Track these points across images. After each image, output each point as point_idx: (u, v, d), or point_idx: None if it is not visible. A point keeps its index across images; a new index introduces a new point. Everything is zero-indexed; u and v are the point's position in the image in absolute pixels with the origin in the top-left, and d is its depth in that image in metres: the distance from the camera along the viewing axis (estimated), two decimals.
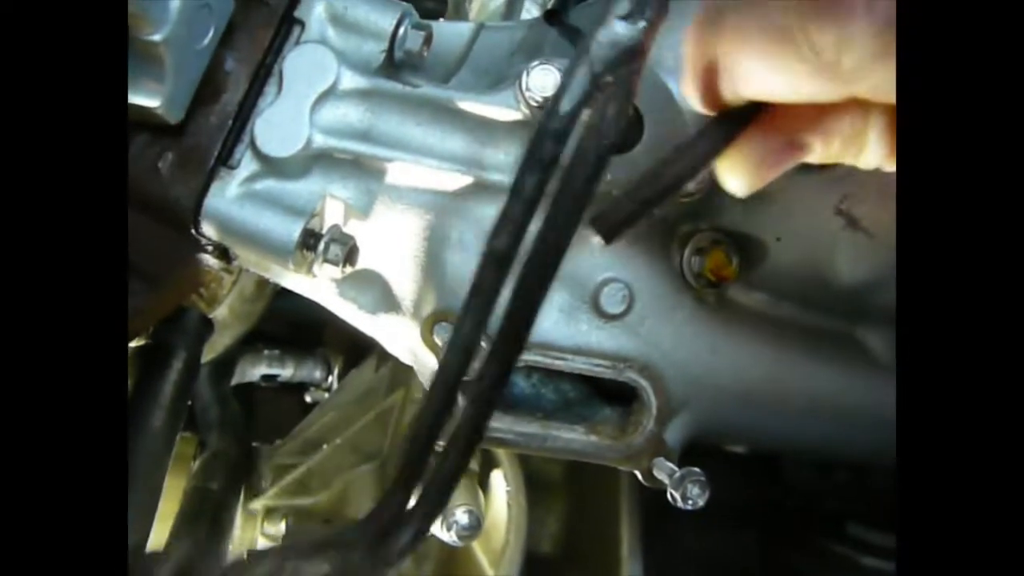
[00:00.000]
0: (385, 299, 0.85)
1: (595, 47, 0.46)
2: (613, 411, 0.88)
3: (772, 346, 0.90)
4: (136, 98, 0.72)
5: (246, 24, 0.79)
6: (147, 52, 0.70)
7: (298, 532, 1.26)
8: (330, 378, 1.69)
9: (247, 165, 0.79)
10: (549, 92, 0.74)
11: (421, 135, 0.79)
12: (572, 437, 0.85)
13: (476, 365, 0.51)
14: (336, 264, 0.79)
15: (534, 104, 0.74)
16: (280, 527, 1.29)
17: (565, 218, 0.48)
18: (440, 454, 0.56)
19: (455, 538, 1.01)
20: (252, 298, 1.23)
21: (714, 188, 0.77)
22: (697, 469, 0.81)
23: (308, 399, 1.71)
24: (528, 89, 0.74)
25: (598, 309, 0.83)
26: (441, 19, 1.18)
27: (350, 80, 0.78)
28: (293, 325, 1.68)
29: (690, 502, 0.81)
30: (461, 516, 1.00)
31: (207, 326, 1.09)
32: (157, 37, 0.69)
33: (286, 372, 1.67)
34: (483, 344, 0.51)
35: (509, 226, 0.48)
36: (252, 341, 1.54)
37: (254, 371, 1.63)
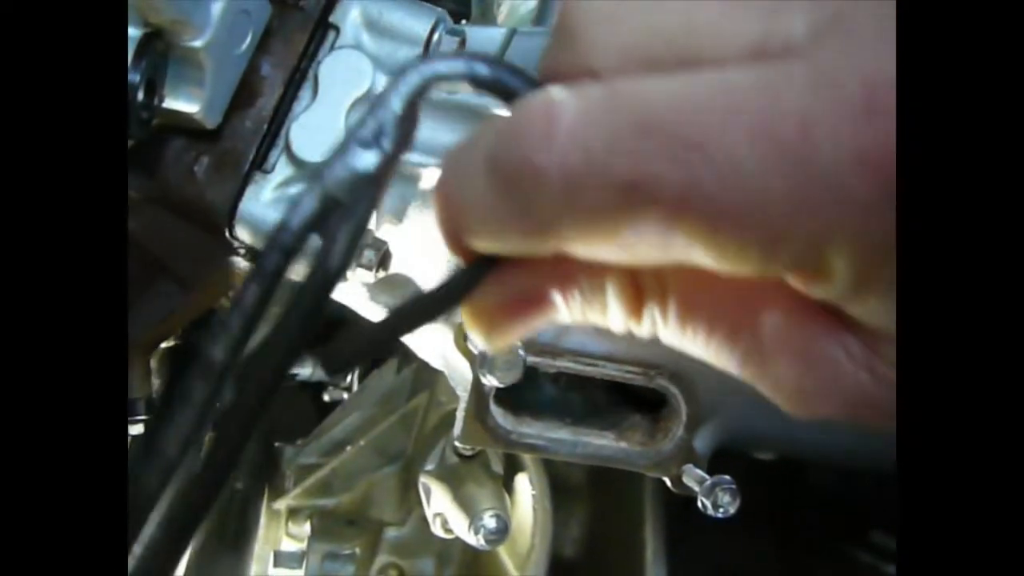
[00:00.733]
0: None
1: (329, 171, 0.43)
2: (642, 417, 0.87)
3: None
4: (176, 103, 0.73)
5: (282, 29, 0.80)
6: (188, 58, 0.71)
7: (323, 531, 1.27)
8: (349, 378, 1.69)
9: (282, 169, 0.80)
10: None
11: (455, 142, 0.79)
12: (602, 443, 0.85)
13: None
14: (369, 269, 0.79)
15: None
16: (305, 527, 1.29)
17: (279, 357, 0.45)
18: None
19: (483, 542, 1.01)
20: (278, 300, 1.23)
21: None
22: (727, 477, 0.81)
23: (326, 398, 1.71)
24: None
25: None
26: (463, 21, 1.18)
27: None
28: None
29: (721, 510, 0.81)
30: (488, 520, 1.00)
31: None
32: (199, 43, 0.69)
33: (305, 371, 1.67)
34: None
35: (226, 338, 0.46)
36: None
37: None
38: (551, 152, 0.36)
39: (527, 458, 1.15)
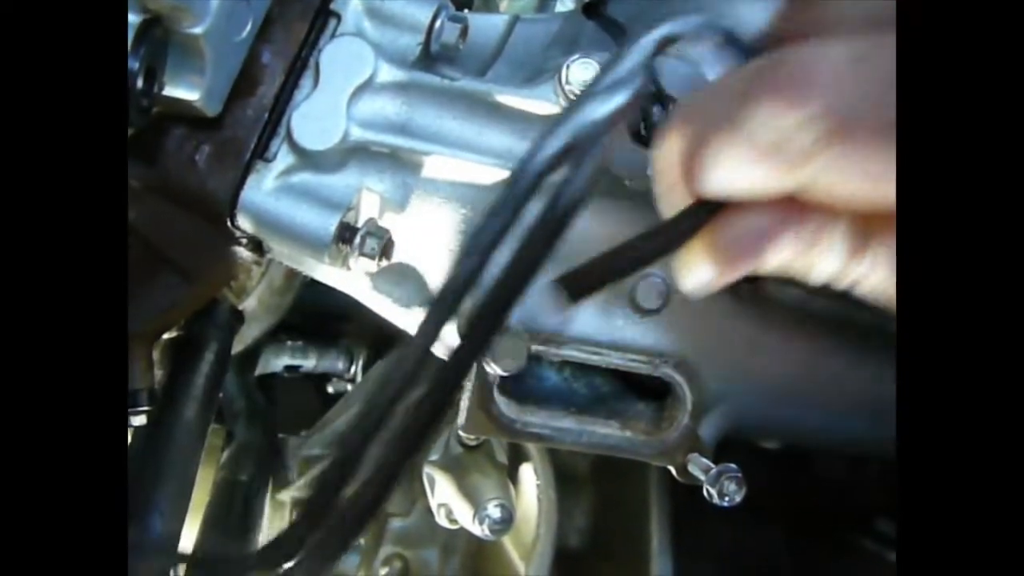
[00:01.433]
0: (420, 293, 0.85)
1: (571, 114, 0.47)
2: (647, 406, 0.87)
3: (808, 340, 0.89)
4: (176, 91, 0.72)
5: (282, 17, 0.79)
6: (188, 45, 0.70)
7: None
8: (353, 369, 1.69)
9: (283, 158, 0.79)
10: None
11: (458, 129, 0.79)
12: (607, 432, 0.85)
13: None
14: (372, 258, 0.79)
15: (573, 98, 0.74)
16: None
17: (524, 266, 0.48)
18: (355, 492, 0.52)
19: (487, 532, 1.01)
20: (281, 290, 1.23)
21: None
22: (733, 465, 0.81)
23: (330, 390, 1.71)
24: (568, 83, 0.73)
25: (634, 304, 0.83)
26: (466, 9, 1.17)
27: (387, 73, 0.78)
28: (316, 316, 1.68)
29: (727, 499, 0.80)
30: (493, 510, 1.00)
31: (238, 318, 1.10)
32: (198, 30, 0.69)
33: (309, 363, 1.67)
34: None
35: (466, 264, 0.49)
36: (275, 332, 1.54)
37: (277, 362, 1.64)
38: (823, 92, 0.40)
39: (532, 448, 1.15)
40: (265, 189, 0.79)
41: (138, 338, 0.89)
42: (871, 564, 1.21)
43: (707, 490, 0.81)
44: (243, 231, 0.82)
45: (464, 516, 1.03)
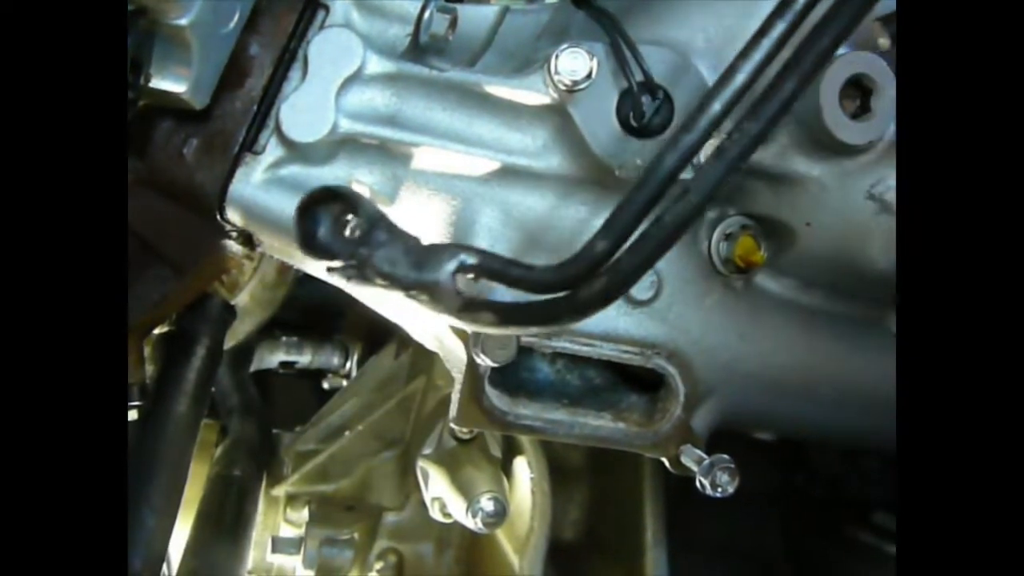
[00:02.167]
0: None
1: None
2: (640, 398, 0.87)
3: (801, 333, 0.89)
4: (162, 83, 0.72)
5: (270, 9, 0.79)
6: (173, 36, 0.69)
7: (321, 517, 1.26)
8: (348, 364, 1.69)
9: (272, 150, 0.78)
10: (578, 75, 0.73)
11: (447, 119, 0.79)
12: (599, 424, 0.84)
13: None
14: None
15: (562, 88, 0.73)
16: (303, 513, 1.29)
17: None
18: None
19: (480, 525, 1.01)
20: (273, 285, 1.23)
21: (743, 173, 0.76)
22: (726, 456, 0.80)
23: (326, 386, 1.71)
24: (557, 73, 0.73)
25: (626, 295, 0.82)
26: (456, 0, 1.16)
27: (376, 64, 0.77)
28: (310, 312, 1.68)
29: (719, 490, 0.80)
30: (486, 503, 1.00)
31: (229, 313, 1.09)
32: (183, 21, 0.68)
33: (304, 359, 1.67)
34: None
35: (615, 228, 0.63)
36: (270, 328, 1.54)
37: (272, 358, 1.63)
38: None
39: (525, 441, 1.15)
40: (254, 182, 0.78)
41: (129, 332, 0.89)
42: (869, 556, 1.20)
43: (700, 481, 0.81)
44: (232, 224, 0.81)
45: (457, 509, 1.02)
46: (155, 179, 0.80)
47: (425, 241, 0.68)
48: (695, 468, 0.82)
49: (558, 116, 0.76)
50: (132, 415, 0.90)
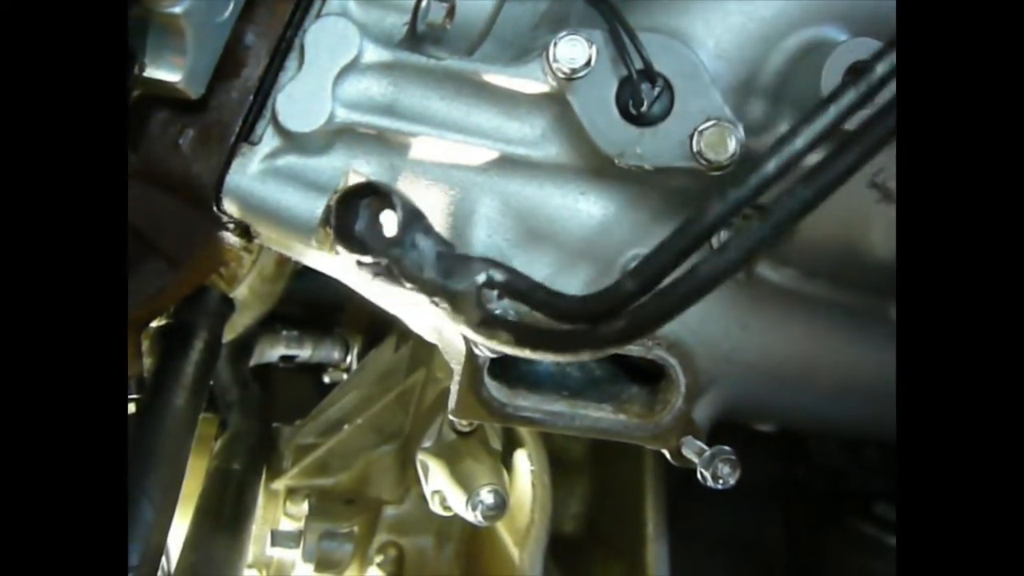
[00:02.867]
0: None
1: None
2: (640, 389, 0.86)
3: (802, 323, 0.88)
4: (157, 72, 0.71)
5: None
6: (167, 25, 0.69)
7: (321, 511, 1.26)
8: (348, 358, 1.68)
9: (269, 141, 0.78)
10: (577, 63, 0.72)
11: (445, 109, 0.78)
12: (600, 416, 0.84)
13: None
14: None
15: (561, 76, 0.73)
16: (303, 506, 1.29)
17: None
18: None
19: (480, 518, 1.00)
20: (272, 278, 1.22)
21: (744, 160, 0.75)
22: (727, 448, 0.80)
23: (326, 380, 1.70)
24: (556, 60, 0.72)
25: None
26: None
27: (373, 53, 0.77)
28: (310, 307, 1.68)
29: (720, 481, 0.79)
30: (486, 495, 0.99)
31: (228, 306, 1.09)
32: (177, 9, 0.67)
33: (304, 353, 1.67)
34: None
35: (690, 235, 0.64)
36: (270, 323, 1.53)
37: (272, 352, 1.63)
38: None
39: (526, 433, 1.14)
40: (251, 173, 0.78)
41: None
42: (870, 547, 1.20)
43: (701, 473, 0.80)
44: (229, 216, 0.80)
45: (457, 502, 1.02)
46: (151, 171, 0.80)
47: (451, 245, 0.69)
48: (696, 460, 0.81)
49: (557, 104, 0.76)
50: (130, 408, 0.89)
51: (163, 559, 0.92)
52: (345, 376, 1.62)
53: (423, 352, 1.30)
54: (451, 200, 0.80)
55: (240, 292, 1.17)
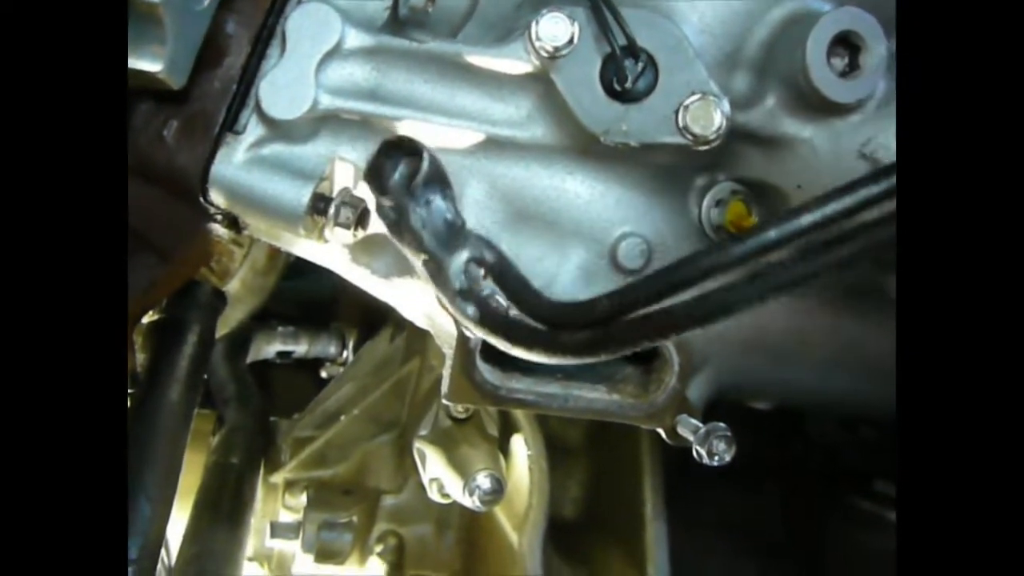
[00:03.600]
0: (399, 263, 0.84)
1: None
2: (634, 369, 0.86)
3: (797, 299, 0.88)
4: (138, 63, 0.71)
5: None
6: (146, 14, 0.68)
7: (319, 502, 1.26)
8: (345, 352, 1.68)
9: (253, 130, 0.77)
10: (560, 41, 0.72)
11: (429, 92, 0.78)
12: (594, 396, 0.84)
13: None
14: (347, 228, 0.77)
15: (544, 54, 0.72)
16: (301, 499, 1.29)
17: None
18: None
19: (478, 503, 1.00)
20: (264, 271, 1.22)
21: (732, 136, 0.75)
22: (723, 424, 0.80)
23: (324, 374, 1.70)
24: (538, 39, 0.72)
25: (616, 264, 0.81)
26: None
27: (355, 38, 0.76)
28: (306, 304, 1.68)
29: (716, 458, 0.79)
30: (483, 480, 0.99)
31: (220, 299, 1.08)
32: None
33: (300, 348, 1.67)
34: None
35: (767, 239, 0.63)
36: (265, 319, 1.53)
37: (269, 348, 1.63)
38: None
39: (522, 418, 1.14)
40: (236, 162, 0.77)
41: None
42: (870, 524, 1.20)
43: (696, 450, 0.80)
44: (216, 207, 0.80)
45: (455, 489, 1.02)
46: (137, 164, 0.79)
47: (461, 218, 0.73)
48: (691, 437, 0.81)
49: (541, 84, 0.75)
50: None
51: (163, 552, 0.92)
52: (342, 370, 1.62)
53: (418, 342, 1.30)
54: None
55: (232, 286, 1.17)
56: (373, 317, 1.56)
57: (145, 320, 1.00)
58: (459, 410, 1.07)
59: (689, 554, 1.12)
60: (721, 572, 1.24)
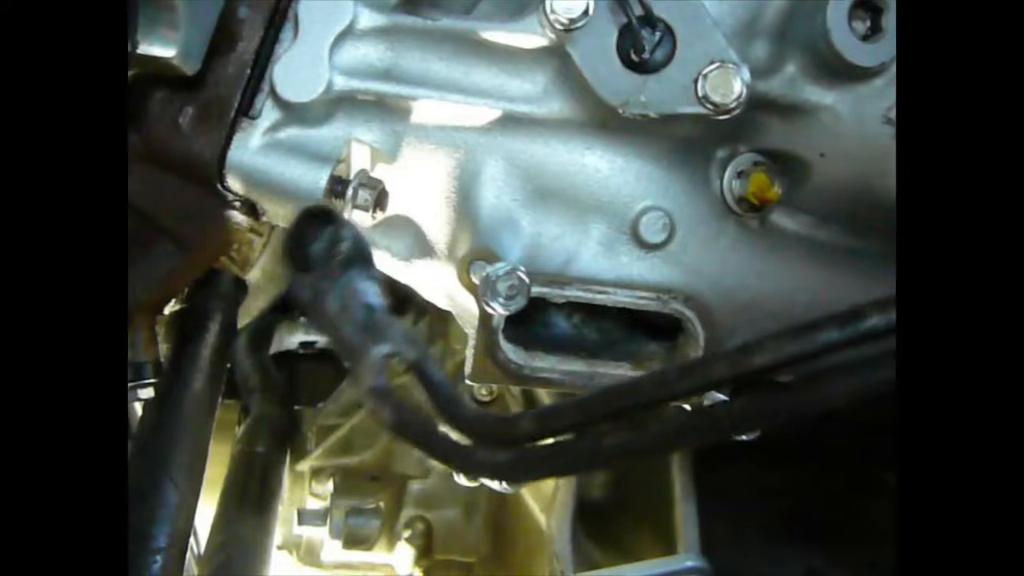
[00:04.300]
0: (418, 244, 0.83)
1: None
2: (659, 345, 0.85)
3: (820, 270, 0.86)
4: (151, 49, 0.71)
5: None
6: (158, 0, 0.68)
7: (346, 488, 1.26)
8: None
9: (268, 114, 0.77)
10: (575, 13, 0.70)
11: (445, 70, 0.77)
12: (618, 374, 0.83)
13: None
14: (366, 210, 0.77)
15: (559, 27, 0.71)
16: (328, 485, 1.29)
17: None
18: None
19: (505, 485, 0.99)
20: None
21: (752, 106, 0.73)
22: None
23: (347, 364, 1.70)
24: (553, 12, 0.71)
25: (638, 239, 0.80)
26: None
27: (368, 18, 0.76)
28: None
29: (745, 435, 0.78)
30: None
31: (241, 288, 1.08)
32: None
33: (323, 338, 1.67)
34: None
35: None
36: (288, 309, 1.53)
37: (292, 338, 1.63)
38: None
39: (547, 399, 1.14)
40: (252, 147, 0.77)
41: (139, 310, 0.88)
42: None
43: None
44: (234, 193, 0.80)
45: None
46: (153, 152, 0.79)
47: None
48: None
49: (557, 58, 0.74)
50: (149, 393, 0.89)
51: (192, 541, 0.93)
52: None
53: (440, 324, 1.30)
54: (456, 163, 0.79)
55: (253, 275, 1.17)
56: (396, 303, 1.56)
57: (167, 310, 1.00)
58: (483, 392, 1.06)
59: (719, 533, 1.11)
60: (754, 551, 1.23)
